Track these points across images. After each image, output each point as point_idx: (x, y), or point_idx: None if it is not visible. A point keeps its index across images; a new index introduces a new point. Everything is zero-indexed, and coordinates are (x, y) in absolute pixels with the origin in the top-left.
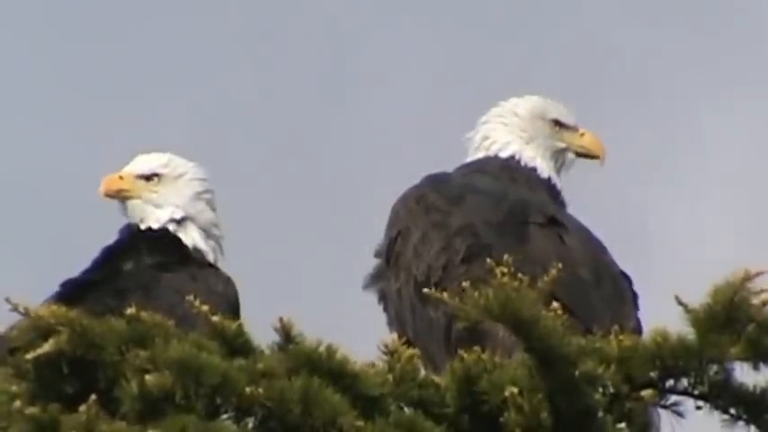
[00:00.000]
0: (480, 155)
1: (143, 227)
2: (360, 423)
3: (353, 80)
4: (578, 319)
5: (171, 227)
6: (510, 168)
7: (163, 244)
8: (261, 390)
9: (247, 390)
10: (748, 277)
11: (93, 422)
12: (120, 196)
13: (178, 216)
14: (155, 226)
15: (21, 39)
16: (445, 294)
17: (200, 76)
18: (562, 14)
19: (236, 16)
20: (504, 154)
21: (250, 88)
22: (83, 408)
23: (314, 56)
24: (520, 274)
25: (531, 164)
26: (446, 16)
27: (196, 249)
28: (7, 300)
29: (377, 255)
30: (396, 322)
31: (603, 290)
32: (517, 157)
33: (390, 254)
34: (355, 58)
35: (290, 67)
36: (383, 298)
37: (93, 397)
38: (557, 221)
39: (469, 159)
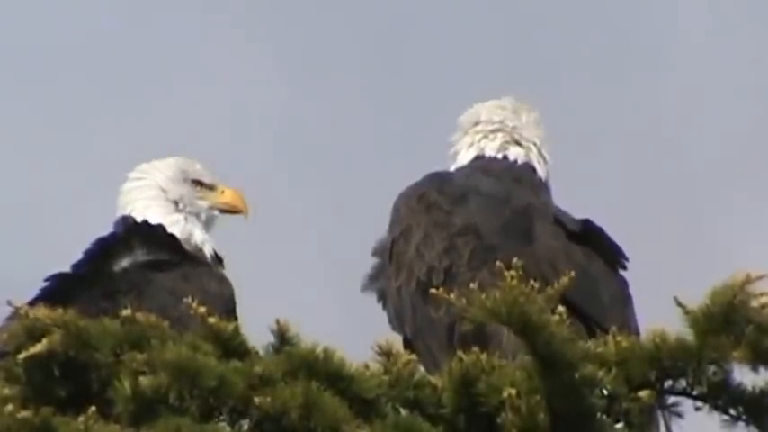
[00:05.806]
0: (472, 153)
1: (140, 220)
2: (362, 430)
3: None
4: (590, 316)
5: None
6: (512, 170)
7: (158, 240)
8: (268, 399)
9: (256, 400)
10: (749, 280)
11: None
12: None
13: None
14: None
15: None
16: (452, 295)
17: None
18: None
19: None
20: (501, 155)
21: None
22: (82, 418)
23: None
24: (530, 279)
25: (531, 165)
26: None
27: (196, 247)
28: (8, 302)
29: (375, 253)
30: (394, 320)
31: (610, 288)
32: (513, 158)
33: (392, 252)
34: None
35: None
36: (383, 297)
37: (93, 408)
38: (560, 222)
39: (460, 160)
